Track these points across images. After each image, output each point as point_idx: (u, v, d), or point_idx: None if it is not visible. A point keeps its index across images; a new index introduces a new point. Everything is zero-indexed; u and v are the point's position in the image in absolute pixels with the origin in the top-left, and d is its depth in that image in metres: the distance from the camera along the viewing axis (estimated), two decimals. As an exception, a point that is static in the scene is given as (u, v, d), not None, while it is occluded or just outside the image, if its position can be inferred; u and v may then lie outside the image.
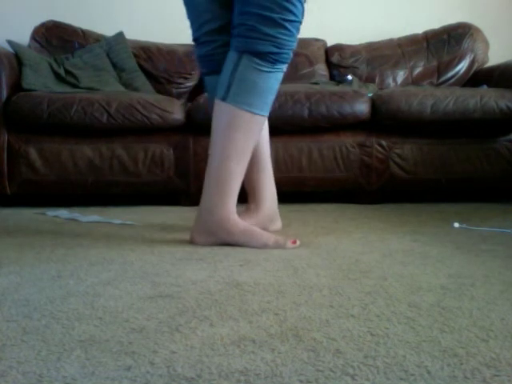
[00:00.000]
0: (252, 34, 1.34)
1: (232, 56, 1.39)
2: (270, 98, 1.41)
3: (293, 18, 1.34)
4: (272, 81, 1.39)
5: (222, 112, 1.40)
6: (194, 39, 1.55)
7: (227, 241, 1.39)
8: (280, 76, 1.41)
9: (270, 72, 1.37)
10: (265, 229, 1.53)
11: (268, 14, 1.32)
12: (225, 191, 1.38)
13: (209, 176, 1.40)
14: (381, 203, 2.32)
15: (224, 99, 1.38)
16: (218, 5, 1.45)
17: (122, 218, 1.86)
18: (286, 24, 1.34)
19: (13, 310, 0.86)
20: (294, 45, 1.40)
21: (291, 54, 1.40)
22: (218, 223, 1.39)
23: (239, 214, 1.46)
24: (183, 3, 1.52)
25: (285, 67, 1.41)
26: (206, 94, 2.36)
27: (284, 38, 1.35)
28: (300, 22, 1.38)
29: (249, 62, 1.36)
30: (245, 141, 1.39)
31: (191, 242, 1.42)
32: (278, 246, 1.36)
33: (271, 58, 1.36)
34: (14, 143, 2.25)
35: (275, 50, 1.35)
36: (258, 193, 1.58)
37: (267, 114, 1.43)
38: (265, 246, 1.36)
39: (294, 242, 1.37)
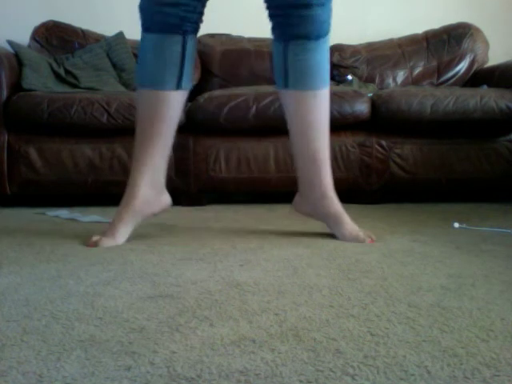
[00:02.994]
0: (289, 21, 1.37)
1: (278, 47, 1.44)
2: (327, 68, 1.46)
3: None
4: (323, 52, 1.43)
5: (288, 98, 1.47)
6: None
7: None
8: (328, 44, 1.45)
9: (317, 47, 1.41)
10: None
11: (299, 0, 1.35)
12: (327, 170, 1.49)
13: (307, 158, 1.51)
14: (381, 203, 2.32)
15: (286, 87, 1.45)
16: None
17: (122, 218, 1.85)
18: (319, 1, 1.37)
19: (13, 310, 0.86)
20: (331, 13, 1.42)
21: (331, 21, 1.43)
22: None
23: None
24: None
25: (329, 35, 1.44)
26: (205, 96, 2.36)
27: (320, 12, 1.38)
28: None
29: (295, 46, 1.40)
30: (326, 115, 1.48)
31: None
32: (357, 239, 1.43)
33: (314, 35, 1.39)
34: (13, 143, 2.25)
35: (316, 26, 1.39)
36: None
37: (328, 83, 1.47)
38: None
39: (372, 241, 1.42)
